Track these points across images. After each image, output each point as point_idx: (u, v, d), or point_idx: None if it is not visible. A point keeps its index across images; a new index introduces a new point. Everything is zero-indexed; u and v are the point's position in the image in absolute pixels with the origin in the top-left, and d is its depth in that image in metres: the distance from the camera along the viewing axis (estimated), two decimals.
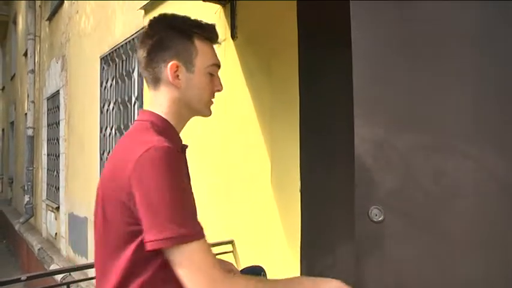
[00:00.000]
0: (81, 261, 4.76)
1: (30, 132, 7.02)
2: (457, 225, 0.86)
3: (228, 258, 2.16)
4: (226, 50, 2.32)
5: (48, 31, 6.89)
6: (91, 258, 4.45)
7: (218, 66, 0.95)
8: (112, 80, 4.30)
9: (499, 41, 0.83)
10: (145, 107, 3.69)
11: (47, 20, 6.86)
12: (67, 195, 5.53)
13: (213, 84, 0.93)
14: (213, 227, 2.37)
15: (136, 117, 3.71)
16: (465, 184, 0.85)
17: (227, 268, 0.99)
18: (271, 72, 1.99)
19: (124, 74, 4.00)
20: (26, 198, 7.10)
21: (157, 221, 0.75)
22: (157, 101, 0.90)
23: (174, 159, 0.78)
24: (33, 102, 7.10)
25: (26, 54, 7.53)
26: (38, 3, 7.29)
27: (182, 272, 0.75)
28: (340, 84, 1.29)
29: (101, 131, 4.49)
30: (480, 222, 0.85)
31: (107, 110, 4.39)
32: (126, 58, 3.95)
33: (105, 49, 4.32)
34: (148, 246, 0.75)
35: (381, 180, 0.89)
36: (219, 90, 0.95)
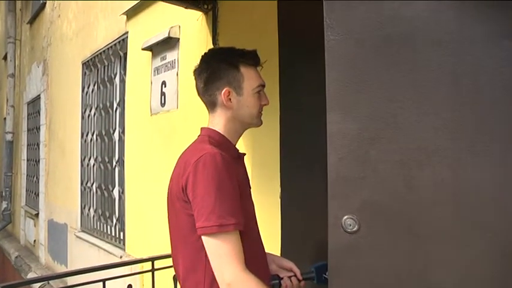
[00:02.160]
0: (60, 269, 4.65)
1: (9, 137, 6.85)
2: (435, 234, 0.85)
3: None
4: None
5: (29, 35, 6.76)
6: (71, 266, 4.36)
7: (263, 85, 1.15)
8: (94, 85, 4.25)
9: (474, 46, 0.83)
10: (127, 113, 3.65)
11: (27, 23, 6.74)
12: (47, 202, 5.42)
13: (260, 100, 1.14)
14: None
15: (117, 124, 3.67)
16: (443, 192, 0.85)
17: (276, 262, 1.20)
18: None
19: (106, 79, 3.96)
20: (4, 205, 6.91)
21: (202, 211, 0.93)
22: (214, 120, 1.12)
23: (222, 163, 0.96)
24: (12, 106, 6.95)
25: (5, 58, 7.37)
26: (18, 6, 7.15)
27: (210, 257, 0.93)
28: (321, 92, 1.29)
29: (82, 137, 4.43)
30: (458, 231, 0.84)
31: (88, 116, 4.33)
32: (108, 64, 3.91)
33: (87, 54, 4.27)
34: (198, 232, 0.94)
35: (355, 189, 0.88)
36: (266, 104, 1.16)
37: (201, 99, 1.14)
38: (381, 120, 0.89)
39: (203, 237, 0.93)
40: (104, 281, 1.73)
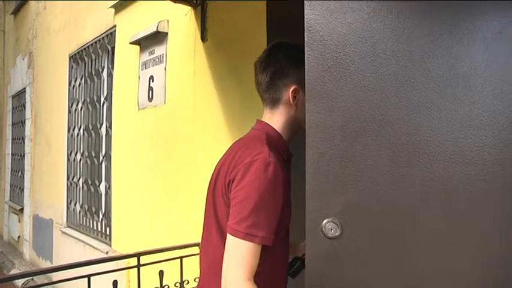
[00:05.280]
0: (45, 265, 4.59)
1: None
2: (425, 240, 0.81)
3: (196, 260, 2.14)
4: (195, 53, 2.30)
5: (13, 26, 6.61)
6: (56, 262, 4.31)
7: None
8: (81, 79, 4.19)
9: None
10: (115, 107, 3.62)
11: (11, 14, 6.58)
12: (32, 197, 5.33)
13: None
14: (181, 229, 2.34)
15: (104, 119, 3.62)
16: (433, 193, 0.81)
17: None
18: (241, 76, 1.99)
19: (93, 73, 3.90)
20: None
21: (236, 213, 0.91)
22: (274, 117, 1.06)
23: (273, 174, 0.91)
24: None
25: None
26: None
27: (225, 255, 0.91)
28: None
29: (68, 131, 4.36)
30: (449, 236, 0.81)
31: (75, 110, 4.27)
32: (96, 57, 3.85)
33: (74, 47, 4.20)
34: (227, 229, 0.92)
35: (337, 188, 0.84)
36: None
37: (261, 94, 1.07)
38: (366, 114, 0.85)
39: (228, 234, 0.92)
40: (89, 276, 1.71)
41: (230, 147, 1.07)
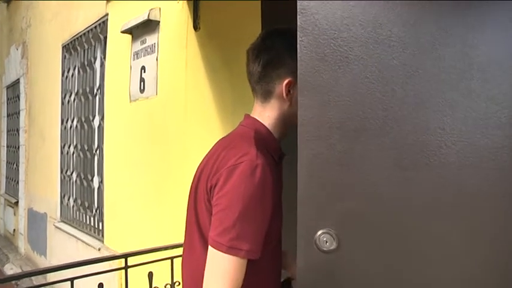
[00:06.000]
0: (40, 260, 4.52)
1: None
2: (434, 253, 0.71)
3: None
4: (188, 42, 2.18)
5: (7, 14, 6.47)
6: (50, 257, 4.24)
7: None
8: (74, 70, 4.07)
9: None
10: (107, 99, 3.51)
11: (4, 2, 6.43)
12: (27, 190, 5.25)
13: None
14: (173, 224, 2.25)
15: (97, 111, 3.51)
16: (443, 200, 0.72)
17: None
18: (234, 67, 1.87)
19: (86, 63, 3.78)
20: None
21: (218, 223, 0.81)
22: (265, 112, 0.94)
23: (261, 178, 0.80)
24: None
25: None
26: None
27: (206, 267, 0.82)
28: None
29: (62, 123, 4.26)
30: (462, 249, 0.71)
31: (68, 101, 4.16)
32: (88, 47, 3.73)
33: (67, 37, 4.07)
34: (208, 241, 0.82)
35: (334, 195, 0.74)
36: None
37: (252, 85, 0.96)
38: (368, 108, 0.75)
39: (209, 247, 0.82)
40: (72, 280, 1.61)
41: (214, 145, 0.96)
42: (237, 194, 0.80)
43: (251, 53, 0.95)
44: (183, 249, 1.00)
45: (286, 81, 0.90)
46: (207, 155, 0.96)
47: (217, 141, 0.97)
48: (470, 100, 0.73)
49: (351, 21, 0.77)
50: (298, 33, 0.78)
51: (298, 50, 0.78)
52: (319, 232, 0.74)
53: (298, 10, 0.77)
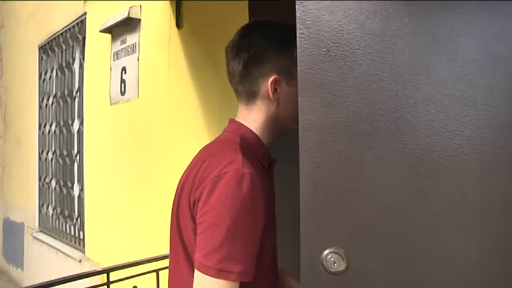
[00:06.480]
0: (16, 273, 4.31)
1: None
2: (455, 272, 0.64)
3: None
4: (170, 41, 2.07)
5: None
6: (27, 270, 4.04)
7: None
8: (52, 72, 3.90)
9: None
10: (86, 102, 3.35)
11: None
12: (3, 199, 5.01)
13: None
14: (157, 233, 2.13)
15: (76, 115, 3.35)
16: (465, 213, 0.63)
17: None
18: (219, 66, 1.77)
19: (64, 65, 3.62)
20: None
21: (203, 244, 0.72)
22: (251, 116, 0.85)
23: (249, 189, 0.72)
24: None
25: None
26: None
27: None
28: None
29: (39, 128, 4.08)
30: (488, 266, 0.63)
31: (46, 105, 3.98)
32: (66, 48, 3.57)
33: (44, 37, 3.90)
34: (194, 264, 0.73)
35: (342, 209, 0.66)
36: None
37: (234, 86, 0.86)
38: (379, 108, 0.66)
39: (196, 270, 0.73)
40: None
41: (196, 154, 0.86)
42: (223, 209, 0.71)
43: (229, 51, 0.86)
44: (169, 265, 0.89)
45: (271, 79, 0.82)
46: (189, 165, 0.86)
47: (200, 150, 0.87)
48: (492, 98, 0.65)
49: (356, 13, 0.68)
50: (297, 25, 0.69)
51: (298, 44, 0.69)
52: (326, 251, 0.66)
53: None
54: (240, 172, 0.72)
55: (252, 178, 0.73)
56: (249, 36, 0.84)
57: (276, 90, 0.82)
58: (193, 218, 0.76)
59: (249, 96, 0.85)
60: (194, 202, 0.76)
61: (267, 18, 0.88)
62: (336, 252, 0.65)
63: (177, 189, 0.86)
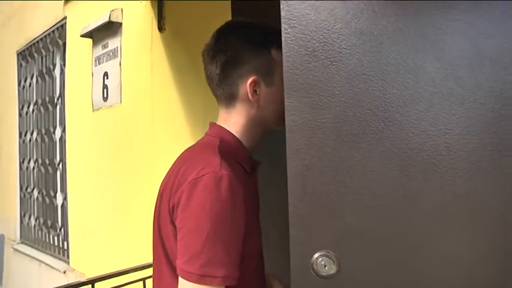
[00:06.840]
0: None
1: None
2: (445, 273, 0.63)
3: None
4: (153, 44, 2.03)
5: None
6: (7, 285, 3.92)
7: None
8: (31, 79, 3.80)
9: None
10: (68, 109, 3.27)
11: None
12: None
13: None
14: (143, 242, 2.09)
15: (58, 122, 3.26)
16: (455, 212, 0.63)
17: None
18: (202, 69, 1.74)
19: (44, 71, 3.53)
20: None
21: (184, 249, 0.71)
22: (231, 119, 0.84)
23: (227, 190, 0.70)
24: None
25: None
26: None
27: None
28: None
29: (20, 137, 3.97)
30: (479, 268, 0.63)
31: (27, 113, 3.88)
32: (46, 54, 3.49)
33: (23, 43, 3.80)
34: (177, 270, 0.72)
35: (332, 211, 0.64)
36: None
37: (213, 90, 0.86)
38: (367, 108, 0.65)
39: (179, 277, 0.71)
40: None
41: (177, 158, 0.84)
42: (202, 212, 0.70)
43: (206, 55, 0.85)
44: (153, 273, 0.87)
45: (249, 81, 0.81)
46: (169, 170, 0.84)
47: (180, 154, 0.86)
48: (481, 96, 0.64)
49: (342, 12, 0.67)
50: (282, 25, 0.67)
51: (283, 45, 0.67)
52: (316, 255, 0.65)
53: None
54: (218, 174, 0.71)
55: (231, 180, 0.71)
56: (225, 38, 0.84)
57: (255, 91, 0.82)
58: (173, 224, 0.74)
59: (229, 99, 0.84)
60: (173, 207, 0.74)
61: (242, 19, 0.87)
62: (326, 255, 0.64)
63: (157, 195, 0.84)
